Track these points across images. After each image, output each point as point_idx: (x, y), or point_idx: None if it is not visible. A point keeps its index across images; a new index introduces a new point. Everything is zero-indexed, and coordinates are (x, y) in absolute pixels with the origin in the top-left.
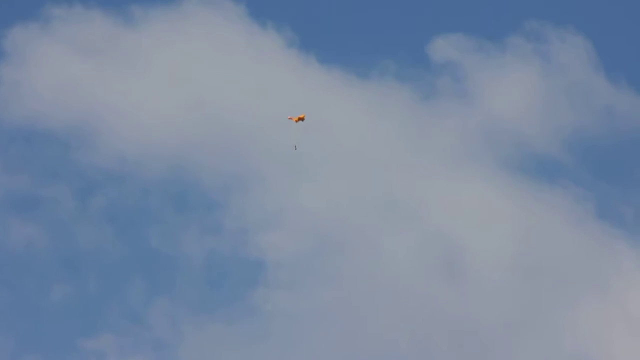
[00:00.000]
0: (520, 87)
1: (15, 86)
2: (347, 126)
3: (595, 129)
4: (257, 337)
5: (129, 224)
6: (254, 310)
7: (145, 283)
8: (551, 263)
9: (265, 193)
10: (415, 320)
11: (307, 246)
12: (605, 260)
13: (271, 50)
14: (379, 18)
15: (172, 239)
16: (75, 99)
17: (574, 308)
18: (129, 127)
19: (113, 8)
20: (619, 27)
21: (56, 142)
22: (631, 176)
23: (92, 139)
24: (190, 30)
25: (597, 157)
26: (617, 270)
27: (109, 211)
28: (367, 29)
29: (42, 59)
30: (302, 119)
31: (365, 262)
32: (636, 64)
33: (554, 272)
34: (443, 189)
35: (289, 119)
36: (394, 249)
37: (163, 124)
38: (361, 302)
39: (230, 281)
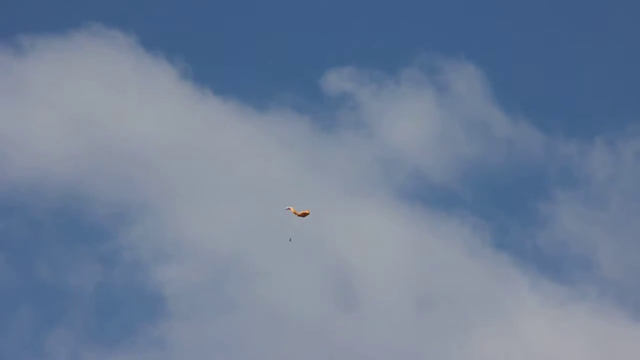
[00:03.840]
0: (417, 118)
1: None
2: (245, 157)
3: (491, 159)
4: None
5: (19, 253)
6: (154, 342)
7: (38, 314)
8: (449, 292)
9: (160, 223)
10: (315, 349)
11: (205, 277)
12: (501, 289)
13: (164, 81)
14: (270, 51)
15: (63, 270)
16: None
17: (470, 336)
18: (19, 157)
19: (0, 38)
20: (508, 54)
21: None
22: (527, 206)
23: None
24: (80, 61)
25: (493, 187)
26: (513, 298)
27: None
28: (258, 62)
29: None
30: (305, 215)
31: (265, 291)
32: (528, 90)
33: (451, 301)
34: (342, 218)
35: (288, 209)
36: (294, 278)
37: (54, 154)
38: (262, 331)
39: (128, 313)
